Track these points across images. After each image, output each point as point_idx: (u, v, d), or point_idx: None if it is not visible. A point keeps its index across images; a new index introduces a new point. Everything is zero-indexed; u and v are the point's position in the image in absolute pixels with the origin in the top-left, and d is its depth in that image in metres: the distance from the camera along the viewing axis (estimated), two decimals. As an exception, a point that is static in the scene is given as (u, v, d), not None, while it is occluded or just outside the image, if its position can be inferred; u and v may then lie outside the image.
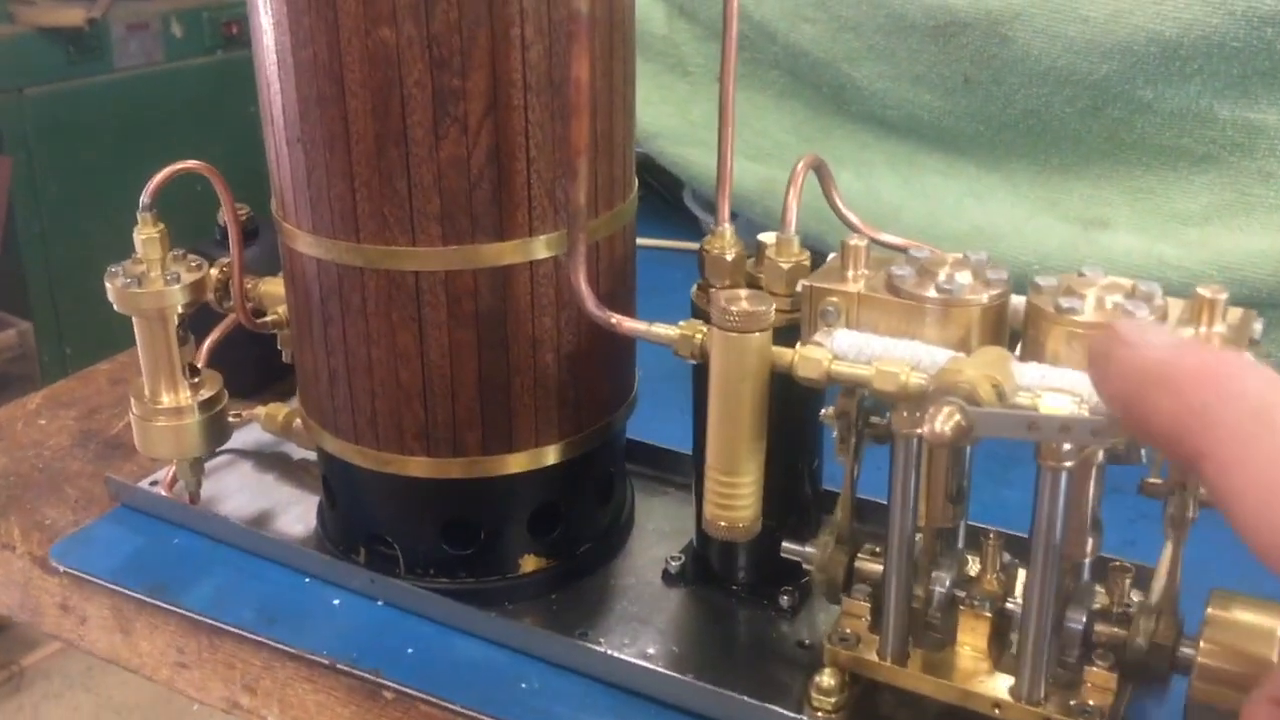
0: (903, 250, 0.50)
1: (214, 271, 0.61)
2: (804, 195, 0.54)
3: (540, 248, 0.51)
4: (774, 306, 0.45)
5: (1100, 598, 0.48)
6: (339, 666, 0.54)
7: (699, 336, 0.47)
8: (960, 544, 0.52)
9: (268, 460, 0.68)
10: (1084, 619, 0.47)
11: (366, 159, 0.48)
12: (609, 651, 0.52)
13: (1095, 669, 0.47)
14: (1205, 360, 0.30)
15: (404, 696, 0.53)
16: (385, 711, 0.53)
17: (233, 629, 0.56)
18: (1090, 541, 0.47)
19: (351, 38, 0.46)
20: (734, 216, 0.57)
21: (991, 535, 0.50)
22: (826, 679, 0.49)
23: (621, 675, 0.51)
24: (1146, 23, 0.68)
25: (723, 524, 0.48)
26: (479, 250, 0.50)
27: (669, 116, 0.94)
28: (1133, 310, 0.43)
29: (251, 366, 0.71)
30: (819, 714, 0.49)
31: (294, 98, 0.49)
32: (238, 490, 0.65)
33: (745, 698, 0.49)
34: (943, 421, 0.40)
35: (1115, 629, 0.47)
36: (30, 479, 0.68)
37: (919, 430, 0.41)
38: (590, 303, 0.48)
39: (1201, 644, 0.45)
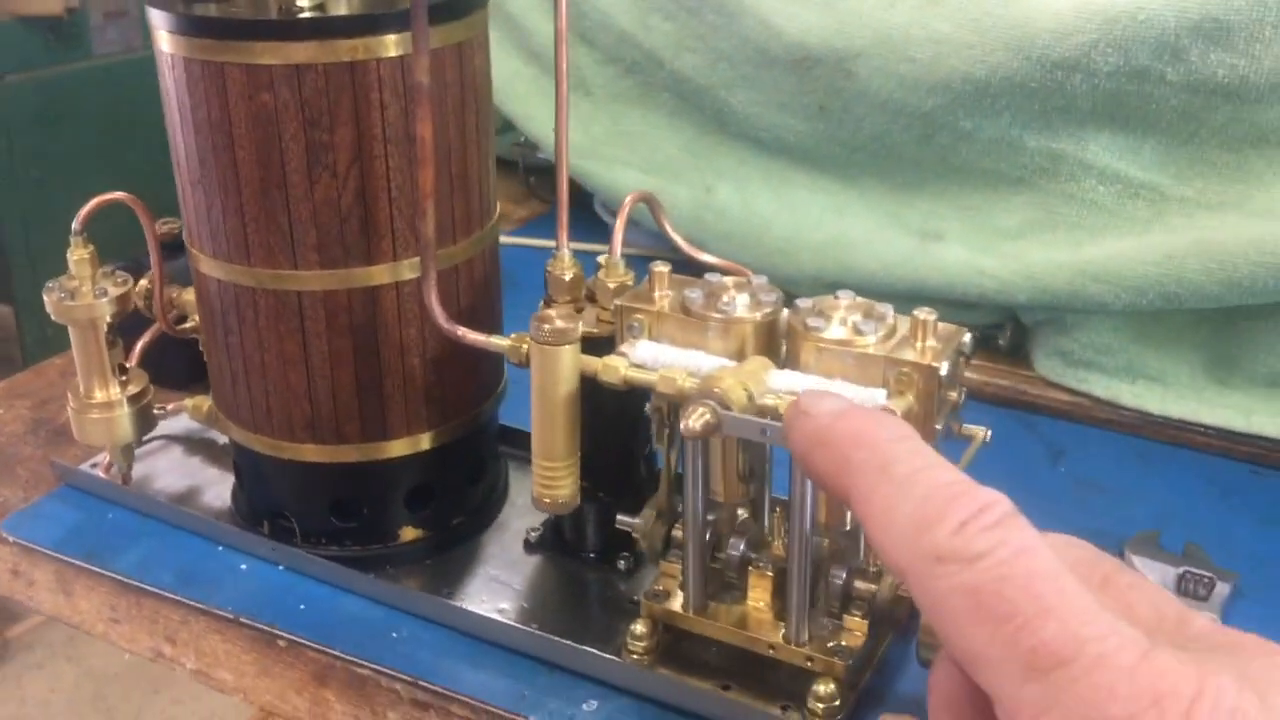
0: (719, 270, 0.60)
1: (144, 282, 0.71)
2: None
3: (405, 270, 0.61)
4: (580, 325, 0.55)
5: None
6: (242, 620, 0.64)
7: (524, 347, 0.57)
8: (765, 514, 0.62)
9: (195, 445, 0.78)
10: (844, 575, 0.57)
11: (254, 199, 0.58)
12: (464, 606, 0.62)
13: (851, 616, 0.57)
14: (852, 425, 0.39)
15: (295, 644, 0.63)
16: (280, 657, 0.63)
17: (155, 590, 0.66)
18: (849, 514, 0.57)
19: (238, 101, 0.56)
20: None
21: (779, 508, 0.61)
22: (639, 627, 0.60)
23: (474, 626, 0.62)
24: (961, 65, 0.78)
25: (547, 500, 0.58)
26: (351, 273, 0.60)
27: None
28: (863, 328, 0.53)
29: (183, 364, 0.81)
30: (632, 656, 0.60)
31: (193, 147, 0.59)
32: (167, 471, 0.75)
33: (570, 642, 0.59)
34: (695, 419, 0.50)
35: (868, 584, 0.58)
36: (-14, 462, 0.78)
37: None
38: (440, 319, 0.58)
39: (927, 597, 0.55)
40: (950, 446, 0.56)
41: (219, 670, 0.66)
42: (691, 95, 0.97)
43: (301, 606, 0.65)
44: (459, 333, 0.58)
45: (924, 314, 0.52)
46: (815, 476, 0.40)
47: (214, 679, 0.67)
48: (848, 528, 0.58)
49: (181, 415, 0.79)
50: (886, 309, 0.54)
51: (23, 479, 0.76)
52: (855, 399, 0.52)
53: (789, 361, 0.55)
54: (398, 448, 0.64)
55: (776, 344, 0.57)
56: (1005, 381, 0.86)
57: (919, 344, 0.52)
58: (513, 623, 0.62)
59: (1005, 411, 0.84)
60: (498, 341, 0.58)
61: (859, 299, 0.55)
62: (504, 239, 0.71)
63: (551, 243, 0.63)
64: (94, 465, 0.75)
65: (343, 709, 0.62)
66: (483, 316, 0.65)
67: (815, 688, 0.55)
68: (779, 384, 0.53)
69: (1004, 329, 0.87)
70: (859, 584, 0.58)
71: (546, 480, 0.57)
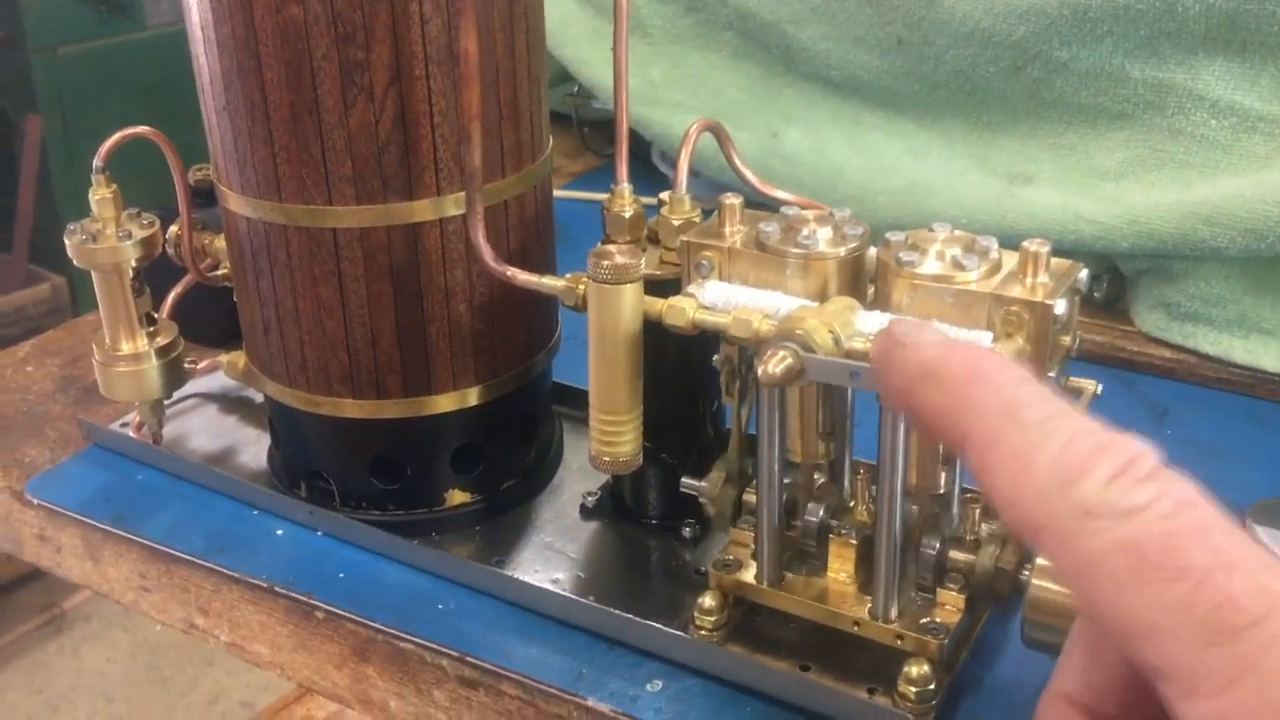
0: (796, 206, 0.54)
1: (174, 228, 0.66)
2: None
3: (449, 206, 0.55)
4: (643, 260, 0.49)
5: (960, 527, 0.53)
6: (277, 590, 0.59)
7: (580, 288, 0.51)
8: (846, 476, 0.56)
9: (231, 404, 0.73)
10: (937, 545, 0.51)
11: (283, 126, 0.53)
12: (516, 575, 0.57)
13: (946, 590, 0.51)
14: (968, 359, 0.34)
15: (333, 616, 0.58)
16: (317, 630, 0.58)
17: (186, 556, 0.62)
18: (943, 475, 0.51)
19: (264, 15, 0.51)
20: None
21: (861, 469, 0.55)
22: (708, 600, 0.54)
23: (527, 598, 0.56)
24: (1058, -15, 0.71)
25: (606, 459, 0.52)
26: (390, 209, 0.54)
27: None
28: (965, 263, 0.47)
29: (220, 318, 0.76)
30: (700, 632, 0.54)
31: (218, 70, 0.53)
32: (200, 431, 0.71)
33: (632, 616, 0.54)
34: (775, 364, 0.44)
35: (965, 554, 0.51)
36: (14, 421, 0.74)
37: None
38: (488, 257, 0.53)
39: (1036, 564, 0.49)
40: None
41: (254, 643, 0.62)
42: (756, 32, 0.91)
43: (341, 575, 0.60)
44: (508, 273, 0.53)
45: (1035, 245, 0.46)
46: (920, 416, 0.35)
47: (249, 652, 0.62)
48: (941, 490, 0.51)
49: (217, 373, 0.74)
50: (990, 242, 0.48)
51: (50, 439, 0.72)
52: (957, 342, 0.45)
53: (877, 302, 0.49)
54: (443, 403, 0.59)
55: (863, 284, 0.51)
56: (1101, 337, 0.79)
57: (1028, 280, 0.46)
58: (569, 594, 0.56)
59: (1102, 370, 0.77)
60: (551, 282, 0.53)
61: (958, 231, 0.49)
62: (557, 192, 0.66)
63: (607, 196, 0.58)
64: (124, 424, 0.70)
65: (385, 686, 0.57)
66: (534, 259, 0.60)
67: (907, 669, 0.49)
68: (868, 326, 0.47)
69: (1100, 279, 0.80)
70: (955, 554, 0.52)
71: (606, 436, 0.52)
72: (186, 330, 0.72)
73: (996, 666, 0.53)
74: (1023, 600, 0.50)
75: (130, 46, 2.67)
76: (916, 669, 0.49)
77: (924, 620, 0.51)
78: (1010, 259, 0.48)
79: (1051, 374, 0.46)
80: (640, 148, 0.99)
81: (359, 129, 0.52)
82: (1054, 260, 0.47)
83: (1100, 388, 0.53)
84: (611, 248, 0.49)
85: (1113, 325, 0.80)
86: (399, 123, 0.53)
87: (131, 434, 0.69)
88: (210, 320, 0.74)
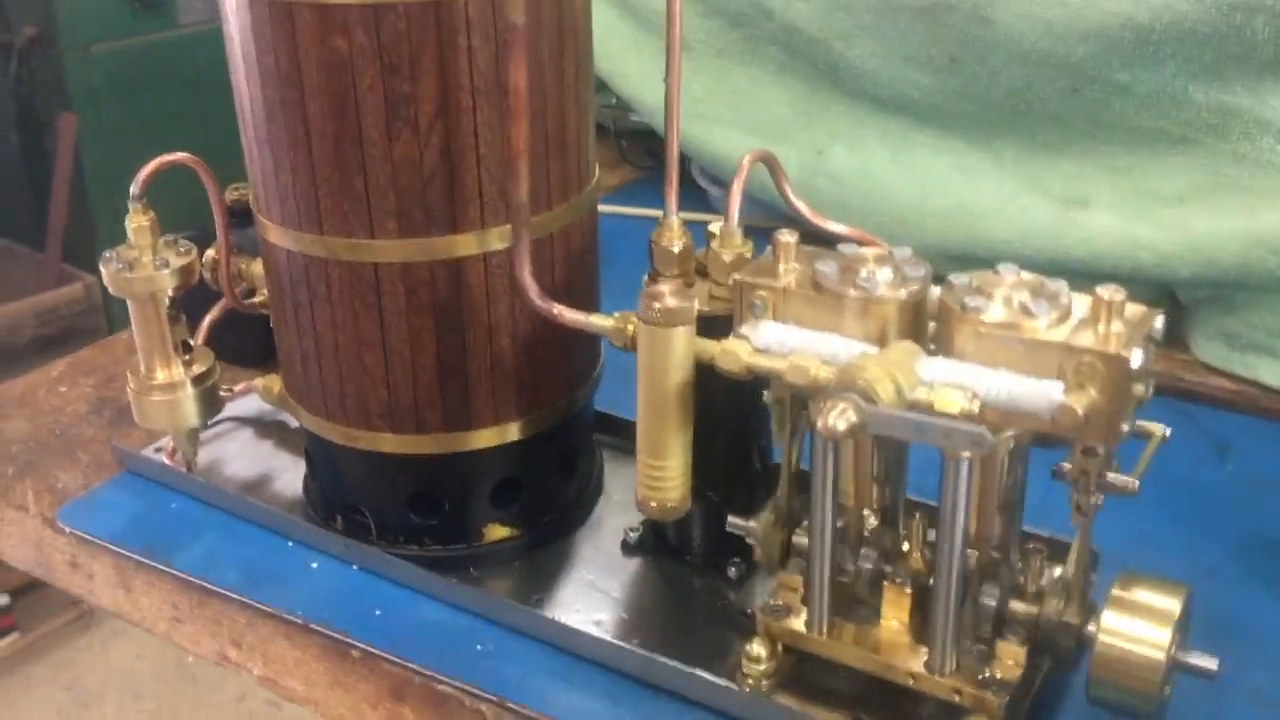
0: (848, 240, 0.52)
1: (210, 252, 0.65)
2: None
3: (494, 240, 0.53)
4: (696, 303, 0.48)
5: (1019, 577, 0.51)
6: (313, 626, 0.58)
7: (630, 328, 0.50)
8: (900, 520, 0.54)
9: (266, 428, 0.72)
10: (997, 595, 0.49)
11: (326, 158, 0.51)
12: (557, 618, 0.55)
13: (1006, 643, 0.49)
14: None
15: (369, 656, 0.57)
16: (354, 669, 0.57)
17: (219, 589, 0.61)
18: (998, 523, 0.49)
19: (309, 47, 0.49)
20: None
21: (917, 515, 0.53)
22: (756, 648, 0.52)
23: (568, 640, 0.55)
24: (1120, 7, 0.69)
25: (653, 504, 0.51)
26: (433, 243, 0.53)
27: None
28: (1034, 309, 0.45)
29: (254, 340, 0.75)
30: (749, 681, 0.52)
31: (260, 101, 0.52)
32: (235, 457, 0.70)
33: (678, 664, 0.52)
34: (836, 417, 0.42)
35: (1027, 606, 0.49)
36: (47, 444, 0.73)
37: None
38: (533, 294, 0.51)
39: (1102, 621, 0.47)
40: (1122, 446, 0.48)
41: (288, 679, 0.60)
42: (803, 48, 0.89)
43: (377, 612, 0.58)
44: (554, 311, 0.51)
45: (1109, 292, 0.44)
46: None
47: (283, 688, 0.61)
48: (997, 538, 0.49)
49: (251, 396, 0.73)
50: (1060, 285, 0.46)
51: (83, 464, 0.71)
52: (1024, 394, 0.43)
53: (940, 347, 0.47)
54: (484, 438, 0.57)
55: (923, 327, 0.49)
56: (1159, 367, 0.76)
57: (1101, 328, 0.44)
58: (611, 638, 0.54)
59: (1160, 401, 0.74)
60: (599, 322, 0.51)
61: (1025, 274, 0.47)
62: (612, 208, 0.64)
63: (648, 211, 0.56)
64: (158, 450, 0.69)
65: (422, 728, 0.56)
66: (580, 293, 0.58)
67: (966, 728, 0.48)
68: (931, 374, 0.45)
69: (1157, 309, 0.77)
70: (1017, 606, 0.50)
71: (653, 482, 0.50)
72: (221, 350, 0.70)
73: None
74: (1088, 656, 0.48)
75: (163, 45, 2.66)
76: (975, 727, 0.47)
77: (982, 675, 0.49)
78: (1081, 304, 0.46)
79: (1125, 426, 0.44)
80: (680, 164, 0.97)
81: (403, 162, 0.51)
82: (1129, 306, 0.44)
83: (1168, 432, 0.51)
84: (664, 288, 0.47)
85: (1171, 355, 0.77)
86: (444, 155, 0.51)
87: (165, 460, 0.68)
88: (246, 340, 0.73)
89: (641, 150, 1.14)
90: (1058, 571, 0.50)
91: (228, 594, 0.60)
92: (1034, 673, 0.50)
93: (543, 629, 0.56)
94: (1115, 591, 0.47)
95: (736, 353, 0.47)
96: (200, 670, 2.36)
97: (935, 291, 0.49)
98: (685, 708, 0.52)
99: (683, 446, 0.49)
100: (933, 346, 0.48)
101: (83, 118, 2.62)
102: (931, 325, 0.48)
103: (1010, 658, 0.49)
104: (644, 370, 0.48)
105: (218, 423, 0.72)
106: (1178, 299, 0.77)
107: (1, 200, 2.30)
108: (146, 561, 0.63)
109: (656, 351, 0.48)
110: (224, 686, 2.32)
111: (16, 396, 0.78)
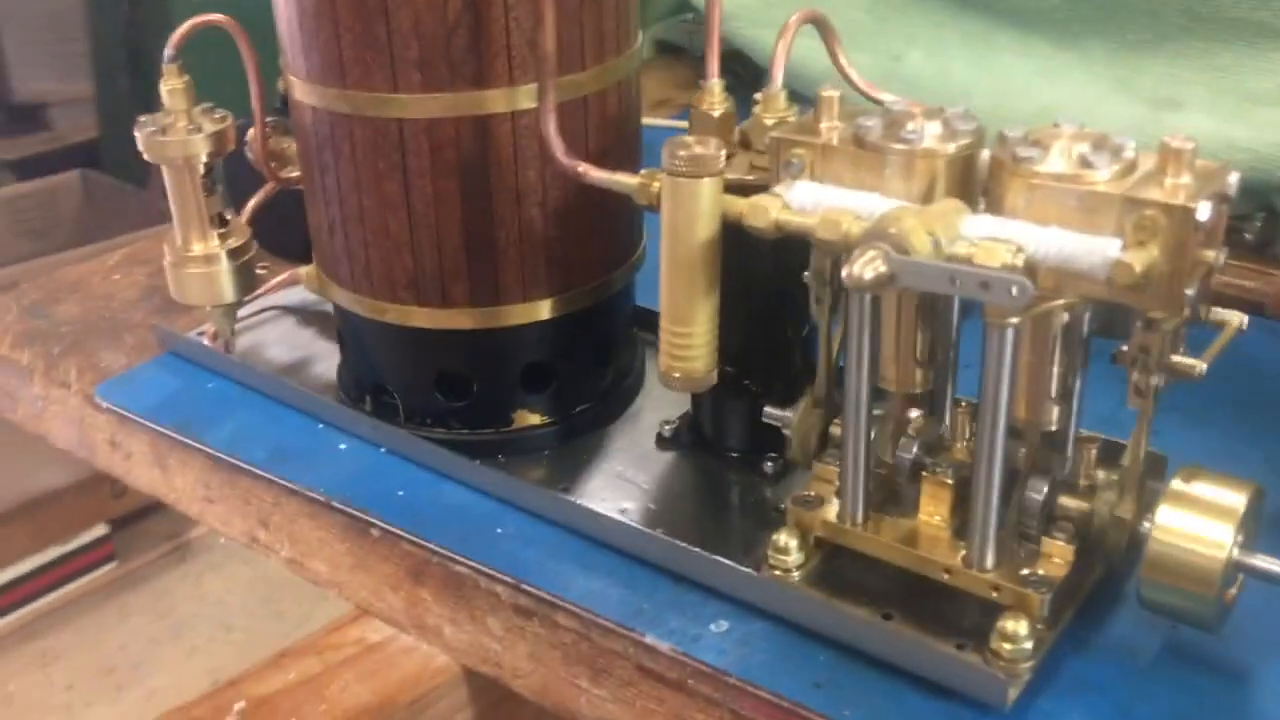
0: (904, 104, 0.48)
1: (253, 131, 0.63)
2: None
3: (523, 98, 0.51)
4: (723, 153, 0.44)
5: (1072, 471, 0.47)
6: (334, 504, 0.57)
7: (655, 185, 0.47)
8: (947, 411, 0.50)
9: (307, 317, 0.71)
10: (1045, 489, 0.45)
11: (348, 4, 0.49)
12: (577, 500, 0.53)
13: (1052, 540, 0.45)
14: None
15: (389, 535, 0.55)
16: (374, 549, 0.55)
17: (247, 467, 0.59)
18: (1055, 410, 0.45)
19: (327, -120, 0.47)
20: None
21: (963, 403, 0.49)
22: (784, 538, 0.49)
23: (588, 525, 0.52)
24: (1222, -118, 0.63)
25: (676, 375, 0.48)
26: (459, 98, 0.50)
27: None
28: (1094, 161, 0.41)
29: (303, 230, 0.74)
30: (775, 573, 0.49)
31: (282, -56, 0.50)
32: (275, 343, 0.68)
33: (700, 550, 0.49)
34: (863, 265, 0.39)
35: (1077, 501, 0.46)
36: (95, 327, 0.72)
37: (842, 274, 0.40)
38: (558, 150, 0.48)
39: (1157, 517, 0.43)
40: (1196, 335, 0.43)
41: (313, 560, 0.59)
42: (882, -52, 0.84)
43: (400, 493, 0.56)
44: (579, 169, 0.48)
45: (1178, 141, 0.39)
46: None
47: (308, 569, 0.60)
48: (1054, 427, 0.45)
49: (296, 286, 0.72)
50: (1125, 140, 0.42)
51: (128, 345, 0.70)
52: (1078, 250, 0.39)
53: (990, 207, 0.43)
54: (512, 315, 0.55)
55: (974, 190, 0.45)
56: (1251, 283, 0.71)
57: (1168, 180, 0.40)
58: (635, 524, 0.52)
59: (1250, 320, 0.69)
60: (624, 179, 0.48)
61: (1088, 128, 0.43)
62: (664, 121, 0.61)
63: (695, 94, 0.53)
64: (199, 333, 0.68)
65: (440, 611, 0.54)
66: (616, 163, 0.55)
67: (1002, 624, 0.44)
68: (974, 230, 0.41)
69: (1252, 219, 0.72)
70: (1066, 500, 0.46)
71: (677, 350, 0.47)
72: (270, 244, 0.69)
73: (1108, 628, 0.47)
74: (1141, 556, 0.44)
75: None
76: (1013, 624, 0.44)
77: (1025, 572, 0.45)
78: (1148, 160, 0.41)
79: (1189, 290, 0.39)
80: (749, 71, 0.94)
81: (426, 7, 0.48)
82: (1200, 161, 0.40)
83: (1245, 322, 0.46)
84: (690, 138, 0.44)
85: (1264, 270, 0.71)
86: (469, 2, 0.48)
87: (206, 342, 0.67)
88: (293, 233, 0.72)
89: (721, 70, 1.10)
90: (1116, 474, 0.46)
91: (255, 471, 0.59)
92: (1082, 574, 0.46)
93: (563, 512, 0.53)
94: (1174, 485, 0.43)
95: (766, 208, 0.44)
96: (287, 607, 2.40)
97: (988, 155, 0.45)
98: (706, 597, 0.49)
99: (709, 312, 0.46)
100: (982, 208, 0.44)
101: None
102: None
103: (1057, 554, 0.45)
104: (668, 228, 0.45)
105: (261, 310, 0.71)
106: (1276, 209, 0.71)
107: (113, 140, 2.33)
108: (180, 438, 0.62)
109: (681, 205, 0.44)
110: (309, 623, 2.36)
111: (72, 281, 0.78)
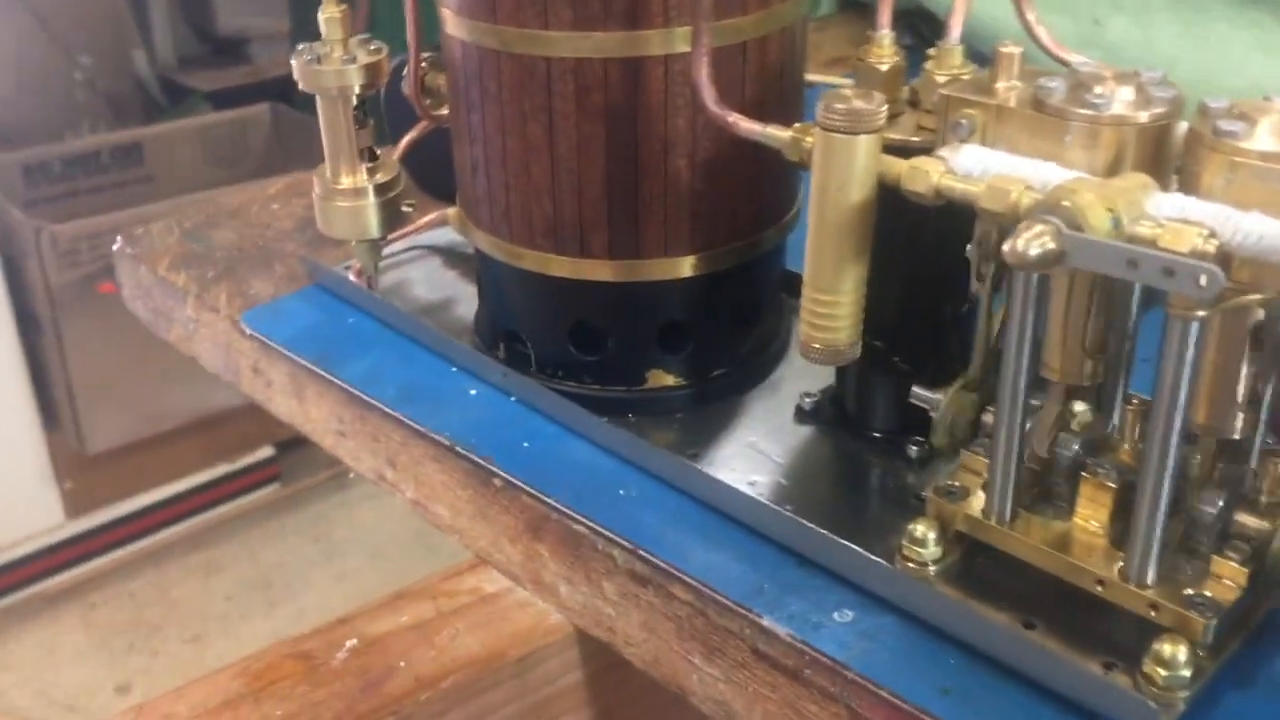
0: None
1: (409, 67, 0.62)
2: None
3: (678, 41, 0.48)
4: (884, 108, 0.41)
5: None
6: (458, 450, 0.56)
7: (809, 140, 0.43)
8: (1116, 408, 0.46)
9: (453, 259, 0.70)
10: (1221, 502, 0.41)
11: (501, -68, 0.47)
12: (708, 470, 0.50)
13: (1225, 560, 0.41)
14: None
15: (510, 486, 0.54)
16: (495, 499, 0.54)
17: (378, 404, 0.59)
18: (1240, 418, 0.40)
19: None
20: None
21: (1135, 400, 0.44)
22: (921, 529, 0.46)
23: (716, 496, 0.50)
24: None
25: (816, 346, 0.45)
26: (609, 38, 0.48)
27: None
28: (1312, 138, 0.36)
29: (452, 169, 0.73)
30: (909, 565, 0.46)
31: None
32: (419, 282, 0.68)
33: (829, 533, 0.46)
34: (1029, 240, 0.35)
35: (1257, 520, 0.41)
36: (248, 255, 0.73)
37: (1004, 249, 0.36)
38: (708, 98, 0.46)
39: (1351, 548, 0.38)
40: None
41: (436, 504, 0.58)
42: (1089, -99, 0.78)
43: (525, 444, 0.55)
44: (730, 119, 0.45)
45: None
46: None
47: (431, 513, 0.59)
48: (1237, 435, 0.41)
49: (446, 227, 0.71)
50: (1352, 115, 0.36)
51: (277, 275, 0.71)
52: (1282, 240, 0.35)
53: (1183, 185, 0.38)
54: (652, 269, 0.53)
55: (1166, 165, 0.40)
56: None
57: (1401, 167, 0.34)
58: (763, 498, 0.49)
59: None
60: (775, 133, 0.45)
61: (1307, 101, 0.38)
62: (835, 79, 0.58)
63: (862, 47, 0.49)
64: (346, 267, 0.68)
65: (556, 569, 0.52)
66: (773, 115, 0.52)
67: (1159, 647, 0.40)
68: (1162, 209, 0.36)
69: None
70: (1244, 518, 0.41)
71: (819, 320, 0.44)
72: (422, 182, 0.69)
73: (1277, 665, 0.42)
74: (1328, 589, 0.39)
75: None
76: (1171, 648, 0.39)
77: (1189, 592, 0.40)
78: (1377, 139, 0.36)
79: None
80: (936, 32, 0.88)
81: (581, -62, 0.46)
82: None
83: None
84: (849, 90, 0.41)
85: None
86: (627, -64, 0.46)
87: (352, 277, 0.67)
88: (444, 172, 0.71)
89: (903, 26, 1.05)
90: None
91: (385, 409, 0.59)
92: (1254, 601, 0.41)
93: (689, 479, 0.51)
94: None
95: (927, 171, 0.40)
96: (437, 542, 2.46)
97: (1185, 128, 0.40)
98: (832, 584, 0.46)
99: (856, 281, 0.43)
100: (1175, 186, 0.39)
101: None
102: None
103: (1229, 576, 0.41)
104: (818, 187, 0.42)
105: (409, 249, 0.71)
106: None
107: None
108: (316, 370, 0.62)
109: (834, 162, 0.41)
110: (457, 559, 2.42)
111: (232, 208, 0.79)
